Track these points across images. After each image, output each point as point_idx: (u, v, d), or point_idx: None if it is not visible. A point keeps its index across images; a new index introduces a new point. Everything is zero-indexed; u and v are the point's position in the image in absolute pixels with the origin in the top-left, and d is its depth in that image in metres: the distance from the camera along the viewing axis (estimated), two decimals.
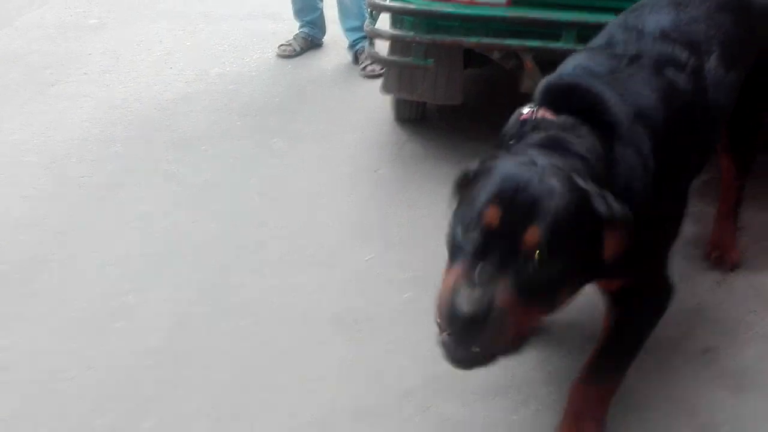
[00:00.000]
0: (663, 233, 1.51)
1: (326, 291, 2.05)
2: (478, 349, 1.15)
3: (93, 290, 2.05)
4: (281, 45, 4.07)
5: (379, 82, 3.09)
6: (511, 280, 1.11)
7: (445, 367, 1.71)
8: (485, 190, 1.19)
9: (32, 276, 2.11)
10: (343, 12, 3.87)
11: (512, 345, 1.19)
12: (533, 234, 1.12)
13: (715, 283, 2.15)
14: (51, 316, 1.95)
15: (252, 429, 1.60)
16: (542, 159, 1.23)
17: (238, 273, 2.14)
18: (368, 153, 2.90)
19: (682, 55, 1.52)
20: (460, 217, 1.22)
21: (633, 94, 1.42)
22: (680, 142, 1.49)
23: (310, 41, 4.14)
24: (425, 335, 1.84)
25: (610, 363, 1.55)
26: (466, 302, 1.09)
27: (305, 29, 4.12)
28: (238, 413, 1.63)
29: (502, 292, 1.10)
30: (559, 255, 1.15)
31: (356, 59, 3.93)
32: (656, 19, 1.60)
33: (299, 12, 4.08)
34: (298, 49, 4.06)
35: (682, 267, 2.21)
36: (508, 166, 1.22)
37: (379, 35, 2.52)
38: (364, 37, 3.76)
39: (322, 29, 4.20)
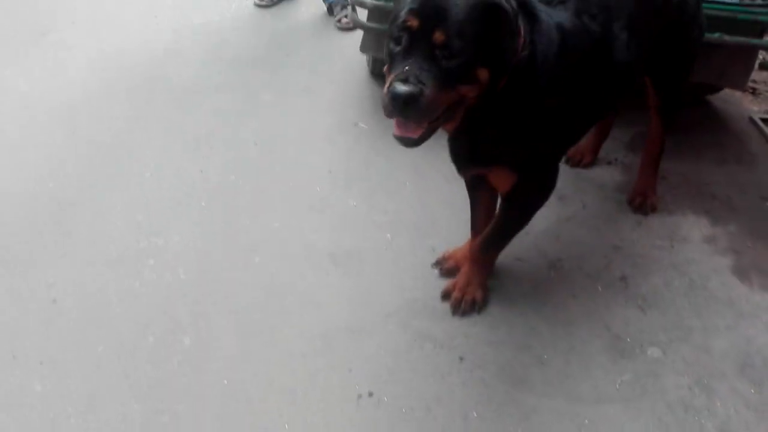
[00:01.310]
0: (550, 128, 1.86)
1: (321, 232, 2.46)
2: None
3: (122, 231, 2.40)
4: None
5: (352, 35, 3.41)
6: (431, 69, 1.49)
7: (421, 293, 2.21)
8: (405, 4, 1.55)
9: (63, 220, 2.44)
10: None
11: (439, 116, 1.57)
12: (440, 34, 1.49)
13: (635, 224, 2.64)
14: (89, 253, 2.30)
15: (270, 342, 2.03)
16: None
17: (245, 216, 2.52)
18: (348, 106, 3.25)
19: (595, 10, 1.92)
20: (390, 31, 1.58)
21: (557, 16, 1.82)
22: (582, 70, 1.84)
23: None
24: (403, 268, 2.32)
25: (493, 242, 2.13)
26: (400, 89, 1.47)
27: None
28: (259, 330, 2.06)
29: (425, 78, 1.49)
30: (463, 48, 1.50)
31: (331, 11, 4.19)
32: None
33: None
34: None
35: (610, 209, 2.72)
36: None
37: (362, 4, 2.82)
38: None
39: None
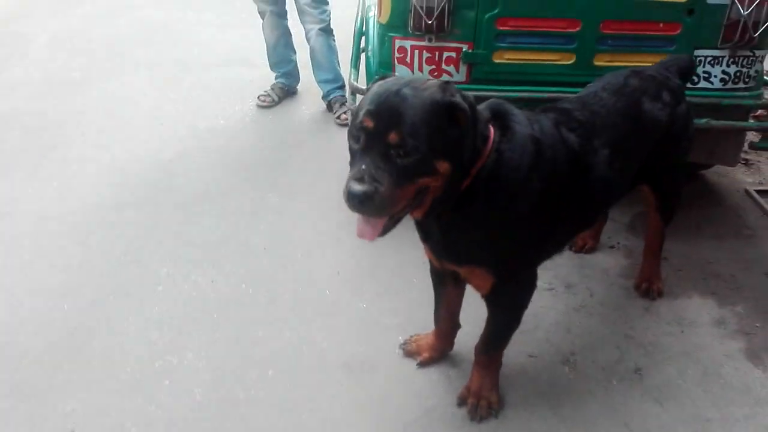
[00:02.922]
0: (521, 237, 1.90)
1: (333, 340, 2.49)
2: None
3: (137, 353, 2.42)
4: (260, 95, 4.46)
5: None
6: (386, 168, 1.54)
7: (438, 399, 2.21)
8: (363, 105, 1.61)
9: (82, 344, 2.46)
10: (317, 66, 4.29)
11: (395, 212, 1.62)
12: (393, 135, 1.54)
13: (643, 310, 2.67)
14: (107, 379, 2.32)
15: None
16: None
17: (257, 328, 2.55)
18: None
19: (575, 124, 2.01)
20: (350, 130, 1.64)
21: (535, 125, 1.88)
22: (555, 183, 1.87)
23: (287, 90, 4.56)
24: (418, 373, 2.33)
25: (490, 344, 2.15)
26: (354, 188, 1.53)
27: (281, 80, 4.52)
28: None
29: (380, 176, 1.54)
30: (416, 146, 1.54)
31: (330, 107, 4.35)
32: (566, 104, 2.14)
33: (275, 65, 4.49)
34: (276, 99, 4.46)
35: (617, 296, 2.75)
36: (377, 86, 1.64)
37: (359, 91, 2.95)
38: (337, 88, 4.21)
39: (297, 78, 4.62)
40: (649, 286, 2.72)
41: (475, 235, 1.85)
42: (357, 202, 1.54)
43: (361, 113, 1.60)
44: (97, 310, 2.64)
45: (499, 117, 1.82)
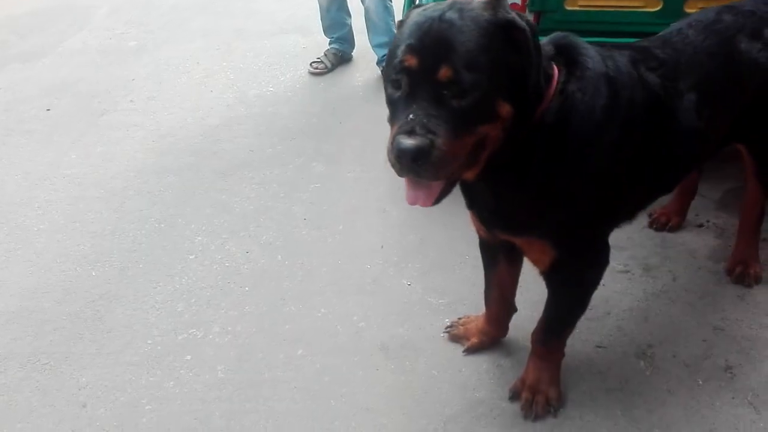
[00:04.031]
0: (592, 197, 1.57)
1: (371, 319, 2.23)
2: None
3: (161, 325, 2.25)
4: (313, 62, 4.23)
5: None
6: (440, 114, 1.25)
7: (486, 392, 1.92)
8: (400, 41, 1.32)
9: (105, 312, 2.32)
10: (372, 29, 4.01)
11: (453, 171, 1.33)
12: (446, 70, 1.25)
13: (737, 298, 2.27)
14: (126, 350, 2.16)
15: None
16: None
17: (290, 303, 2.32)
18: None
19: (655, 63, 1.65)
20: (387, 73, 1.36)
21: (609, 62, 1.53)
22: (633, 132, 1.56)
23: (341, 56, 4.30)
24: (465, 361, 2.04)
25: (551, 332, 1.84)
26: (406, 144, 1.23)
27: (335, 45, 4.27)
28: None
29: (435, 125, 1.25)
30: (476, 81, 1.26)
31: None
32: (645, 42, 1.79)
33: (328, 29, 4.23)
34: (329, 65, 4.21)
35: (705, 281, 2.35)
36: (415, 15, 1.35)
37: None
38: None
39: (352, 44, 4.35)
40: (744, 270, 2.31)
41: (534, 199, 1.53)
42: (410, 159, 1.24)
43: (400, 50, 1.30)
44: (125, 278, 2.48)
45: (566, 52, 1.49)
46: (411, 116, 1.26)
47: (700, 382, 1.95)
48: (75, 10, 5.67)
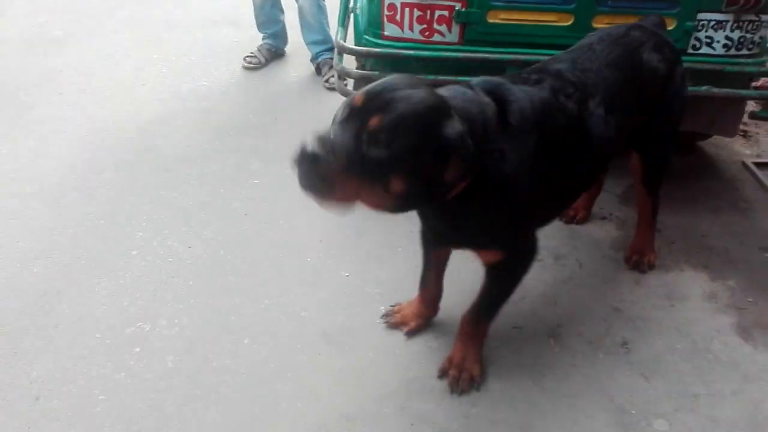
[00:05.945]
0: (530, 212, 1.85)
1: (313, 309, 2.40)
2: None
3: (108, 319, 2.33)
4: (247, 57, 4.31)
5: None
6: (348, 149, 1.40)
7: (419, 371, 2.14)
8: (364, 87, 1.50)
9: (50, 309, 2.37)
10: (305, 27, 4.13)
11: (333, 200, 1.48)
12: (376, 119, 1.40)
13: (634, 282, 2.59)
14: (75, 345, 2.23)
15: None
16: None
17: (234, 296, 2.46)
18: None
19: (571, 89, 1.91)
20: (343, 104, 1.50)
21: (532, 93, 1.78)
22: (556, 147, 1.80)
23: (274, 52, 4.40)
24: (399, 344, 2.25)
25: (483, 313, 2.08)
26: (310, 145, 1.40)
27: (269, 41, 4.36)
28: (249, 423, 1.98)
29: (338, 150, 1.40)
30: (393, 147, 1.39)
31: (319, 70, 4.21)
32: (558, 64, 2.02)
33: (262, 25, 4.32)
34: (263, 60, 4.30)
35: (607, 268, 2.67)
36: (390, 77, 1.51)
37: (348, 75, 2.82)
38: (327, 50, 4.06)
39: (284, 40, 4.45)
40: (640, 258, 2.64)
41: (478, 223, 1.77)
42: (301, 159, 1.42)
43: (359, 92, 1.49)
44: (67, 274, 2.54)
45: (496, 97, 1.70)
46: (331, 135, 1.44)
47: (601, 356, 2.24)
48: None
